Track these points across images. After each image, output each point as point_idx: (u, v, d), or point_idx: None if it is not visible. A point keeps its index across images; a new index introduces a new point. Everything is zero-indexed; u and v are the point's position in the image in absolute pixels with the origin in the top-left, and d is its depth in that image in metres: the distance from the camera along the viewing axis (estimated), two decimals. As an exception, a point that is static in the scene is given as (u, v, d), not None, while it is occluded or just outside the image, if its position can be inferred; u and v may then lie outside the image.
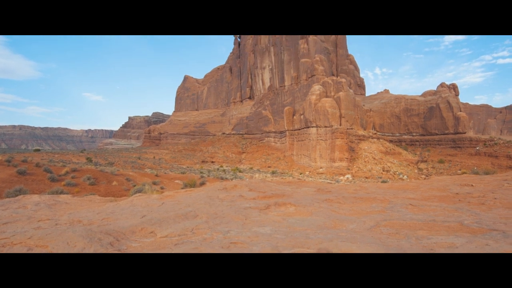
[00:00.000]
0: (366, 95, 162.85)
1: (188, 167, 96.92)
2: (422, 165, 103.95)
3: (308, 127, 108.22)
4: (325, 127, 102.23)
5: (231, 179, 52.50)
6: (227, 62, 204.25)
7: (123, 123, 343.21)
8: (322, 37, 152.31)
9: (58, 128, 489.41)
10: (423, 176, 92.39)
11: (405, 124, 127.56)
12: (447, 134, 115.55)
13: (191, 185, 30.38)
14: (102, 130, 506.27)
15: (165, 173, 53.00)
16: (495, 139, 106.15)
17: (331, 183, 65.47)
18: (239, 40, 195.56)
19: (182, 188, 30.65)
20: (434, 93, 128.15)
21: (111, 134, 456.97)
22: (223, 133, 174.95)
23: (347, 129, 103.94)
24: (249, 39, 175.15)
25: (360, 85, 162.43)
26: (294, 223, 6.61)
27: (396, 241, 5.00)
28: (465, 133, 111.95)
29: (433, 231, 5.62)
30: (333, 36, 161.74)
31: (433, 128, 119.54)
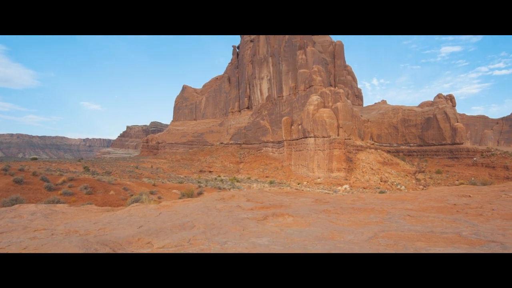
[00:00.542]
0: (364, 105, 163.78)
1: (185, 176, 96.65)
2: (419, 176, 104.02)
3: (306, 137, 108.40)
4: (323, 137, 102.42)
5: (229, 189, 52.35)
6: (225, 72, 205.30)
7: (121, 132, 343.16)
8: (320, 47, 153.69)
9: (56, 137, 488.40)
10: (421, 187, 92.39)
11: (403, 135, 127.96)
12: (444, 144, 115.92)
13: (189, 195, 30.27)
14: (100, 139, 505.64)
15: (163, 182, 52.83)
16: (492, 150, 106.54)
17: (329, 193, 65.37)
18: (237, 50, 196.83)
19: (180, 198, 30.52)
20: (431, 104, 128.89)
21: (109, 143, 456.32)
22: (221, 143, 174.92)
23: (345, 139, 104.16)
24: (247, 50, 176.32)
25: (357, 96, 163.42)
26: (292, 234, 6.58)
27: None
28: (462, 143, 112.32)
29: (431, 243, 5.60)
30: (331, 47, 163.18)
31: (431, 139, 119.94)
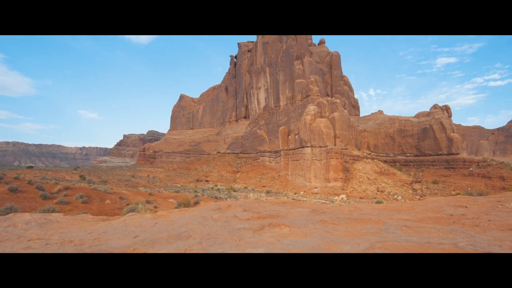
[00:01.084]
0: (361, 115, 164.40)
1: (182, 185, 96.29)
2: (416, 186, 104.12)
3: (303, 147, 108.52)
4: (320, 147, 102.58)
5: (226, 199, 52.17)
6: (223, 81, 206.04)
7: (118, 141, 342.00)
8: (317, 58, 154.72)
9: (52, 145, 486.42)
10: (418, 197, 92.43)
11: (399, 145, 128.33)
12: (440, 155, 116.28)
13: (185, 204, 30.13)
14: (97, 147, 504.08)
15: (159, 191, 52.58)
16: (488, 160, 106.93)
17: (325, 203, 65.20)
18: (235, 60, 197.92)
19: (176, 208, 30.37)
20: (427, 114, 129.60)
21: (105, 151, 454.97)
22: (218, 152, 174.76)
23: (342, 149, 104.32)
24: (245, 59, 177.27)
25: (354, 106, 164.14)
26: (288, 245, 6.55)
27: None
28: (458, 154, 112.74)
29: (428, 254, 5.58)
30: (328, 57, 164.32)
31: (427, 149, 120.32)
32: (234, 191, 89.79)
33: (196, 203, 35.88)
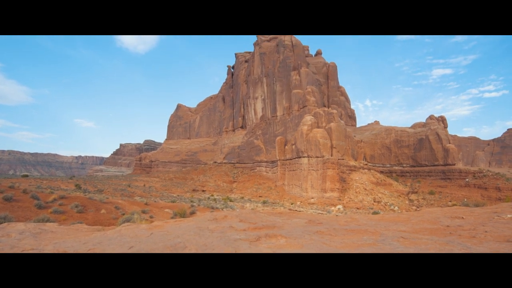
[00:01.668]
0: (357, 126, 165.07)
1: (178, 195, 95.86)
2: (413, 196, 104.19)
3: (300, 157, 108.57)
4: (317, 157, 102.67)
5: (222, 209, 51.95)
6: (220, 91, 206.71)
7: (114, 150, 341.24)
8: (314, 69, 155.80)
9: (48, 154, 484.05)
10: (414, 207, 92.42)
11: (396, 155, 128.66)
12: (437, 165, 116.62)
13: (181, 214, 29.97)
14: (93, 156, 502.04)
15: (155, 201, 52.30)
16: (484, 171, 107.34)
17: (322, 213, 65.05)
18: (232, 70, 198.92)
19: (172, 218, 30.19)
20: (423, 125, 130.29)
21: (101, 161, 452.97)
22: (215, 162, 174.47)
23: (338, 159, 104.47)
24: (242, 70, 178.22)
25: (351, 116, 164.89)
26: (284, 256, 6.50)
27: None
28: (454, 164, 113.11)
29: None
30: (324, 68, 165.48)
31: (423, 160, 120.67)
32: (231, 201, 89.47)
33: (192, 213, 35.71)
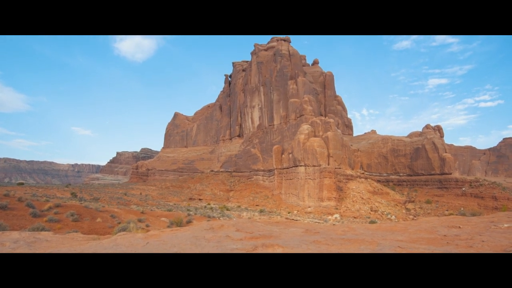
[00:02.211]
0: (354, 135, 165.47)
1: (175, 204, 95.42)
2: (409, 205, 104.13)
3: (297, 166, 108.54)
4: (314, 166, 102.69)
5: (219, 218, 51.74)
6: (217, 100, 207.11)
7: (111, 158, 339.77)
8: (310, 78, 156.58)
9: (44, 162, 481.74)
10: (411, 217, 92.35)
11: (392, 164, 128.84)
12: (433, 174, 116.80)
13: (178, 223, 29.82)
14: (89, 164, 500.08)
15: (151, 210, 52.02)
16: (480, 180, 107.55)
17: (319, 222, 64.83)
18: (229, 79, 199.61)
19: (168, 227, 30.01)
20: (419, 134, 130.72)
21: (98, 169, 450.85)
22: (212, 171, 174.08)
23: (335, 168, 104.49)
24: (239, 79, 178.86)
25: (347, 126, 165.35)
26: (281, 266, 6.46)
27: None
28: (451, 173, 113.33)
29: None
30: (321, 78, 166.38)
31: (420, 169, 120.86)
32: (228, 210, 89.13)
33: (189, 222, 35.54)
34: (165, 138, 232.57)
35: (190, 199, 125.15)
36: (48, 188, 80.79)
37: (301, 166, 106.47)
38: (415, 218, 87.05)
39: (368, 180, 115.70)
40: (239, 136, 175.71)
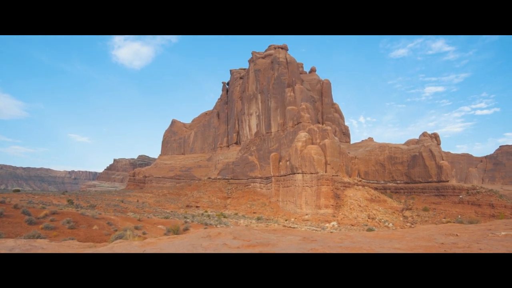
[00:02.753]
0: (351, 142, 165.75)
1: (172, 211, 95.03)
2: (407, 213, 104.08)
3: (294, 173, 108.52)
4: (311, 173, 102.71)
5: (216, 225, 51.56)
6: (214, 107, 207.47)
7: (108, 165, 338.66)
8: (308, 85, 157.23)
9: (41, 169, 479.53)
10: (409, 224, 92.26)
11: (390, 172, 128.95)
12: (430, 182, 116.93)
13: (174, 231, 29.69)
14: (86, 171, 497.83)
15: (148, 217, 51.78)
16: (478, 188, 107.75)
17: (316, 230, 64.70)
18: (227, 86, 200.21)
19: (165, 234, 29.86)
20: (416, 142, 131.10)
21: (94, 176, 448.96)
22: (209, 178, 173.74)
23: (333, 176, 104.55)
24: (237, 86, 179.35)
25: (345, 133, 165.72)
26: (279, 274, 6.43)
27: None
28: (448, 181, 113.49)
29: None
30: (318, 85, 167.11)
31: (417, 176, 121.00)
32: (225, 217, 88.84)
33: (186, 229, 35.39)
34: (162, 145, 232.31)
35: (187, 206, 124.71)
36: (45, 195, 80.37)
37: (298, 173, 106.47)
38: (412, 226, 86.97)
39: (366, 187, 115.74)
40: (236, 143, 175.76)
